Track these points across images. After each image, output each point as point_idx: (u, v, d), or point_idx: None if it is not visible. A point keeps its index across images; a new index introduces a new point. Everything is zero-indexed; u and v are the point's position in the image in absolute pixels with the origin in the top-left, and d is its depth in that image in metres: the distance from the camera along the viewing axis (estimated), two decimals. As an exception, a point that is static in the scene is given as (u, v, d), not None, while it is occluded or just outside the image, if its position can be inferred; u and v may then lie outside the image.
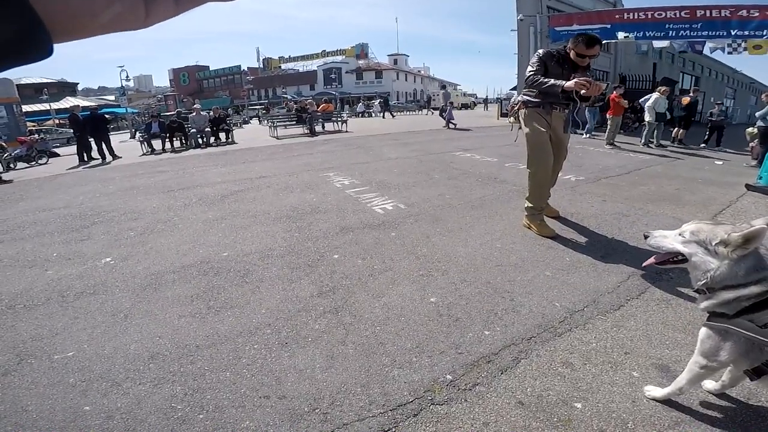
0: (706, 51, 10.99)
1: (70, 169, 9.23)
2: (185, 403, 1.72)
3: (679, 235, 1.52)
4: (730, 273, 1.37)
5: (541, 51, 3.61)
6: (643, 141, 10.10)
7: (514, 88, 18.01)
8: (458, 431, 1.58)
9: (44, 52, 0.24)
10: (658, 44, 11.45)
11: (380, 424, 1.61)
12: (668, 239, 1.57)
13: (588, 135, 11.66)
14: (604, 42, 12.44)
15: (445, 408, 1.69)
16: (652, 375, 1.86)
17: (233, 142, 12.70)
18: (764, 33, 9.29)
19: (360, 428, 1.59)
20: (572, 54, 3.42)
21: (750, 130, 8.46)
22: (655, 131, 10.08)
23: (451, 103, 16.36)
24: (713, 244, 1.40)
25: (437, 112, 17.70)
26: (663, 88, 10.31)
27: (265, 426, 1.60)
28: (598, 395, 1.74)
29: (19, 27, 0.22)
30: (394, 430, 1.59)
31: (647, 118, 10.05)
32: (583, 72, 3.41)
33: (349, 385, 1.82)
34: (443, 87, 17.67)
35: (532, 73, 3.53)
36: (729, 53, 10.03)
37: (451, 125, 15.16)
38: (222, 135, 13.09)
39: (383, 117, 24.21)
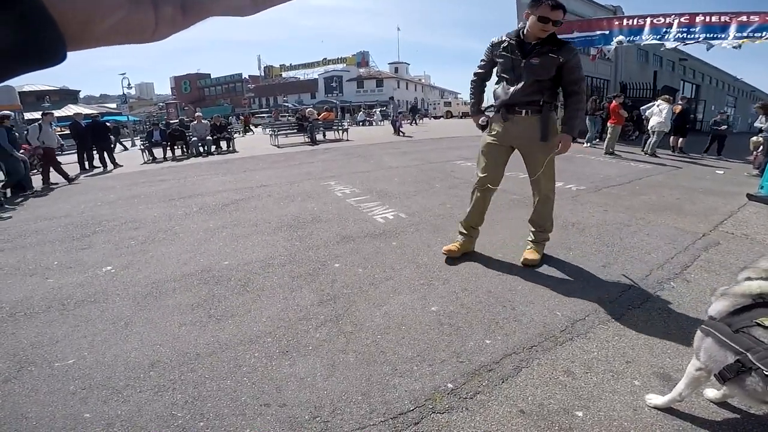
0: (698, 52, 11.10)
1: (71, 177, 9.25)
2: (186, 410, 1.72)
3: None
4: None
5: (493, 39, 3.00)
6: (650, 150, 10.12)
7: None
8: (459, 440, 1.57)
9: (58, 56, 0.24)
10: (653, 42, 11.49)
11: (381, 433, 1.60)
12: None
13: (589, 144, 11.72)
14: (604, 48, 12.71)
15: (446, 416, 1.68)
16: (654, 383, 1.85)
17: (234, 151, 12.76)
18: (763, 34, 9.36)
19: (361, 437, 1.59)
20: (532, 22, 2.72)
21: (754, 139, 8.45)
22: (655, 140, 10.14)
23: (401, 113, 18.48)
24: None
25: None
26: (667, 97, 10.43)
27: (265, 434, 1.59)
28: (599, 404, 1.73)
29: (34, 30, 0.22)
30: (395, 439, 1.58)
31: (661, 127, 10.06)
32: (541, 57, 2.74)
33: (350, 394, 1.81)
34: (391, 98, 19.49)
35: (476, 70, 3.11)
36: (724, 47, 10.07)
37: (400, 133, 16.95)
38: (223, 143, 13.16)
39: (411, 124, 24.93)
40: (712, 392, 1.72)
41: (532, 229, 3.25)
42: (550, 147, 2.90)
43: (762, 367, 1.19)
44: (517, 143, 3.00)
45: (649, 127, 10.36)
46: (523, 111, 2.86)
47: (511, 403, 1.75)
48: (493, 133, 3.02)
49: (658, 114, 10.08)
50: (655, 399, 1.70)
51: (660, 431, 1.58)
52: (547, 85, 2.84)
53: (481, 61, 3.08)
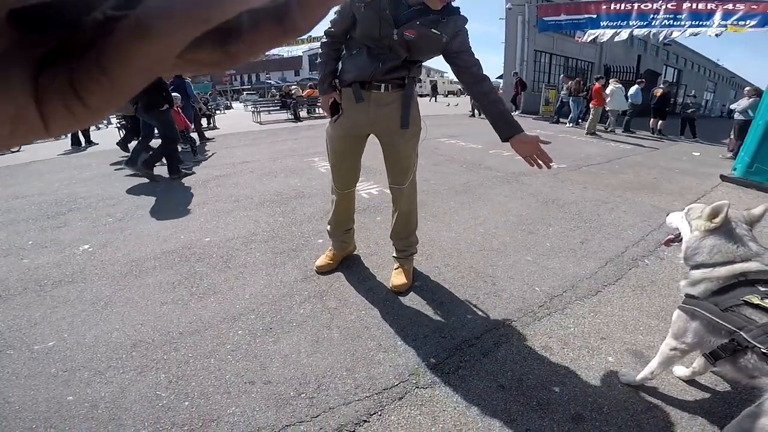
0: (682, 38, 11.36)
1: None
2: (170, 390, 1.72)
3: (683, 211, 1.62)
4: (697, 247, 1.45)
5: None
6: (610, 128, 11.18)
7: (500, 77, 18.11)
8: (442, 414, 1.62)
9: None
10: (638, 32, 11.67)
11: (366, 408, 1.64)
12: (675, 217, 1.66)
13: (572, 124, 11.90)
14: (592, 33, 12.79)
15: (429, 391, 1.72)
16: (627, 360, 1.93)
17: (215, 127, 12.45)
18: (746, 23, 9.51)
19: (346, 412, 1.62)
20: None
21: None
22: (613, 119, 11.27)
23: None
24: (692, 217, 1.49)
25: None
26: (615, 79, 11.58)
27: (251, 411, 1.61)
28: (575, 379, 1.79)
29: None
30: (379, 413, 1.62)
31: (613, 106, 10.96)
32: (419, 30, 1.87)
33: (335, 370, 1.84)
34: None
35: (327, 27, 2.12)
36: (711, 35, 10.27)
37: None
38: (203, 120, 12.82)
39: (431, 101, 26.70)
40: (681, 370, 1.79)
41: (397, 245, 2.61)
42: (411, 135, 2.26)
43: (758, 346, 1.21)
44: (374, 130, 2.24)
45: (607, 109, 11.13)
46: (382, 86, 2.08)
47: (491, 378, 1.80)
48: (342, 121, 2.20)
49: (611, 95, 10.82)
50: (628, 376, 1.76)
51: (632, 407, 1.65)
52: (417, 62, 2.10)
53: (335, 13, 2.06)
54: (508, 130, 1.98)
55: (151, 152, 5.44)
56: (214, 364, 1.88)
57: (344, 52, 2.14)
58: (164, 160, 5.41)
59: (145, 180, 5.42)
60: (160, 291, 2.53)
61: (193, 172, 5.76)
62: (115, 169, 6.22)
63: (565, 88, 12.63)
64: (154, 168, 5.37)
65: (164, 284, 2.62)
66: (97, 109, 0.20)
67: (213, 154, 7.47)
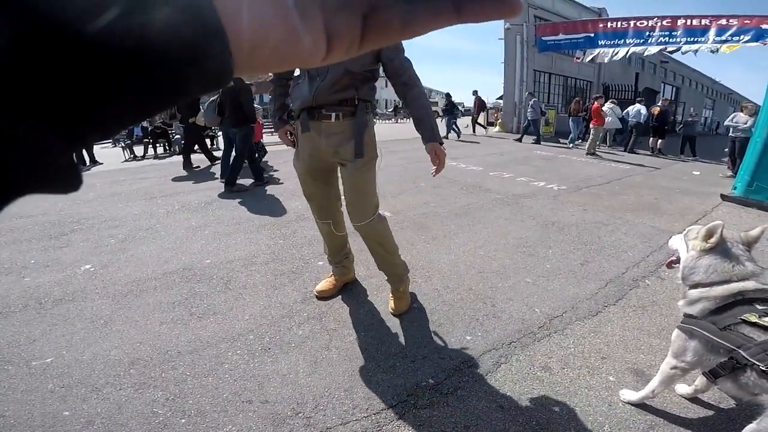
0: (678, 55, 11.57)
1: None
2: (167, 408, 1.71)
3: (683, 233, 1.65)
4: (693, 267, 1.47)
5: None
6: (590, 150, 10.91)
7: (501, 97, 18.38)
8: (439, 434, 1.60)
9: (225, 84, 0.21)
10: (635, 49, 11.93)
11: (364, 428, 1.63)
12: (677, 239, 1.69)
13: (572, 145, 11.97)
14: (591, 53, 13.05)
15: (428, 412, 1.71)
16: (628, 379, 1.91)
17: (218, 148, 12.60)
18: (740, 38, 9.72)
19: (343, 432, 1.60)
20: None
21: None
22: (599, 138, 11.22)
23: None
24: (690, 238, 1.52)
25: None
26: (612, 100, 11.87)
27: (247, 430, 1.60)
28: (575, 399, 1.78)
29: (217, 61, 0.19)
30: (376, 433, 1.60)
31: (609, 126, 11.21)
32: None
33: (333, 390, 1.83)
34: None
35: None
36: (711, 51, 10.44)
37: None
38: (207, 141, 12.99)
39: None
40: (683, 388, 1.78)
41: (386, 277, 2.60)
42: (365, 163, 2.15)
43: (757, 363, 1.22)
44: (332, 160, 2.20)
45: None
46: (333, 115, 2.04)
47: (491, 398, 1.79)
48: (301, 155, 2.27)
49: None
50: (629, 395, 1.75)
51: (633, 426, 1.64)
52: (364, 77, 2.03)
53: None
54: (430, 137, 2.11)
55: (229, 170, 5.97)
56: (212, 382, 1.87)
57: (292, 85, 2.23)
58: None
59: (147, 201, 5.48)
60: (160, 311, 2.54)
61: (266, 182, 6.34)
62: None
63: (530, 107, 12.60)
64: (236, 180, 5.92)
65: (164, 304, 2.62)
66: (364, 48, 0.26)
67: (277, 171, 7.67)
